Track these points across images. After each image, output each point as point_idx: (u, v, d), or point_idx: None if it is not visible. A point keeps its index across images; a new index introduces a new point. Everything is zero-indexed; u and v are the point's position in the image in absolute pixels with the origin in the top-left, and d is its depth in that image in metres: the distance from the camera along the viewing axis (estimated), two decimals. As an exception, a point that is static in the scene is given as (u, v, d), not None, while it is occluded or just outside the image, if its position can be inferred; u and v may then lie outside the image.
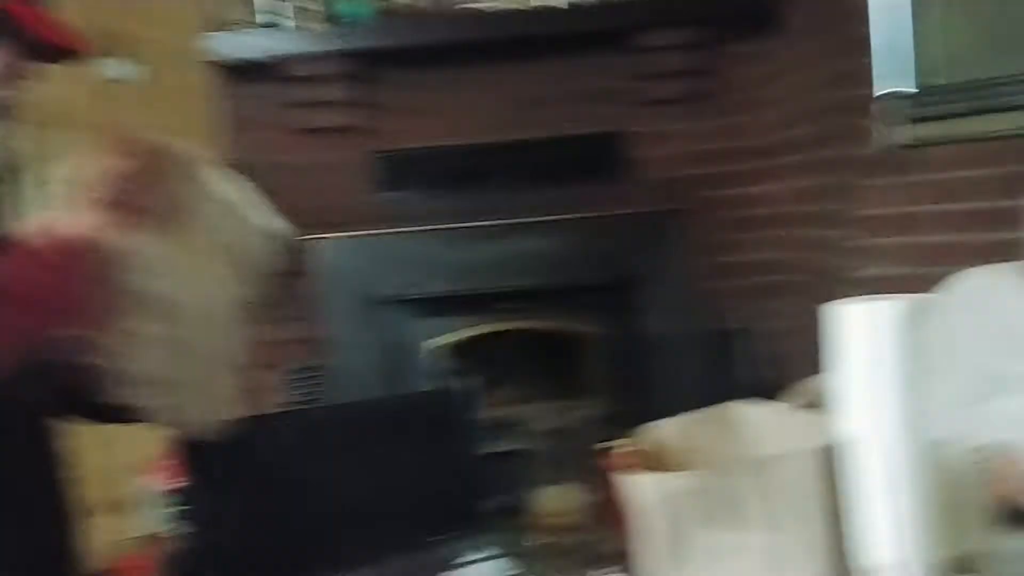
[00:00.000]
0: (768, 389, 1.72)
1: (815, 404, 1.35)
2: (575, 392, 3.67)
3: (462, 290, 3.63)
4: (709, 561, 0.65)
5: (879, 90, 2.82)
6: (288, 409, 3.28)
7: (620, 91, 3.63)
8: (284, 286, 3.65)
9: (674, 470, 0.68)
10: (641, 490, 0.65)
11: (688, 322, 3.63)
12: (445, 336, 3.69)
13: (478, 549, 1.28)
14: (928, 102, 2.73)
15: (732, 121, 3.68)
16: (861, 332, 1.05)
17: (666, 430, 0.73)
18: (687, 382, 3.42)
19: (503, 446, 1.33)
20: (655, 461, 0.72)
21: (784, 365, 3.29)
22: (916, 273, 2.52)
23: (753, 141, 3.67)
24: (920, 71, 2.77)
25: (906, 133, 2.78)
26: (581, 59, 3.61)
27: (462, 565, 1.24)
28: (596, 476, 1.27)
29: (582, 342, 3.73)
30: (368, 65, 3.62)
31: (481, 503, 1.73)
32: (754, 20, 3.54)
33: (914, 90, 2.78)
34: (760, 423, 0.74)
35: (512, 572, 1.22)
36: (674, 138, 3.67)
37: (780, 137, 3.56)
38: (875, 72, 2.82)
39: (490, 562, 1.25)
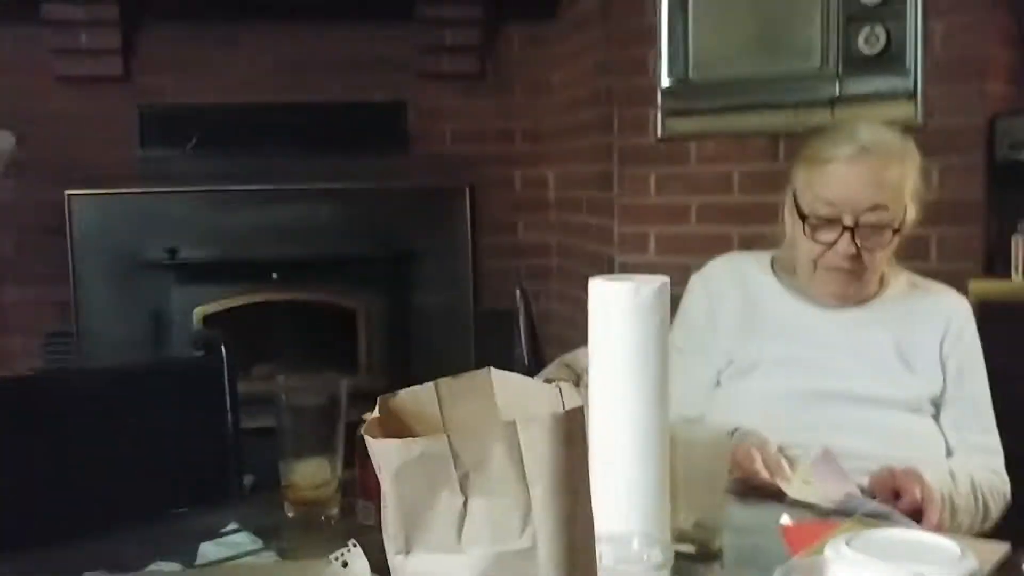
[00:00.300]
0: (539, 366, 1.75)
1: (574, 377, 1.39)
2: (345, 366, 3.62)
3: (232, 257, 3.50)
4: (443, 526, 0.64)
5: (661, 82, 2.92)
6: (35, 374, 3.06)
7: (405, 62, 3.60)
8: (38, 244, 3.43)
9: (421, 435, 0.67)
10: (384, 456, 0.63)
11: (464, 299, 3.66)
12: (211, 304, 3.55)
13: (230, 522, 1.23)
14: (702, 97, 2.86)
15: (516, 101, 3.74)
16: (616, 309, 1.08)
17: (416, 396, 0.72)
18: (459, 358, 3.45)
19: (263, 419, 1.29)
20: (403, 427, 0.70)
21: (556, 344, 3.38)
22: (680, 262, 2.64)
23: (535, 123, 3.74)
24: (696, 67, 2.90)
25: (681, 126, 2.90)
26: (366, 25, 3.55)
27: (211, 537, 1.19)
28: (355, 448, 1.25)
29: (356, 315, 3.69)
30: (134, 12, 3.41)
31: (237, 476, 1.68)
32: (542, 3, 3.60)
33: (691, 84, 2.90)
34: (513, 390, 0.73)
35: (258, 546, 1.19)
36: (457, 114, 3.68)
37: (562, 121, 3.64)
38: (659, 64, 2.92)
39: (240, 535, 1.21)
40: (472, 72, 3.64)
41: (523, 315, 3.74)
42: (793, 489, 1.44)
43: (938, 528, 1.45)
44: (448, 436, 0.62)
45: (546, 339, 3.69)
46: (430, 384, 0.73)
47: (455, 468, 0.62)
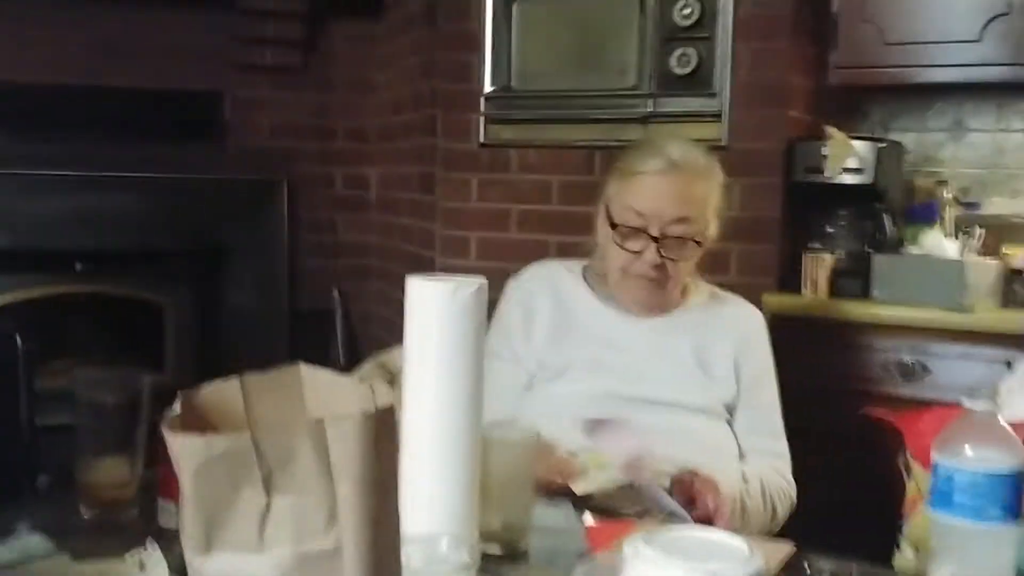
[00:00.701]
0: (351, 368, 1.73)
1: (389, 376, 1.38)
2: (152, 364, 3.48)
3: (32, 246, 3.30)
4: (245, 525, 0.63)
5: (484, 88, 2.95)
6: None
7: (224, 52, 3.49)
8: None
9: (225, 432, 0.66)
10: (184, 453, 0.62)
11: (279, 297, 3.58)
12: (6, 295, 3.34)
13: (21, 523, 1.17)
14: (524, 106, 2.91)
15: (338, 98, 3.69)
16: (433, 309, 1.09)
17: (220, 392, 0.71)
18: (273, 359, 3.37)
19: (61, 416, 1.23)
20: (206, 424, 0.69)
21: (374, 347, 3.35)
22: (500, 267, 2.68)
23: (358, 122, 3.71)
24: (519, 76, 2.95)
25: (504, 133, 2.95)
26: (186, 11, 3.42)
27: (0, 539, 1.13)
28: (156, 447, 1.21)
29: (164, 311, 3.54)
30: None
31: (30, 475, 1.60)
32: (367, 1, 3.58)
33: (514, 92, 2.94)
34: (323, 388, 0.73)
35: (50, 549, 1.13)
36: (277, 108, 3.61)
37: (385, 121, 3.62)
38: (482, 71, 2.95)
39: (32, 537, 1.15)
40: (294, 66, 3.58)
41: (340, 316, 3.70)
42: (580, 486, 1.49)
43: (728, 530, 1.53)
44: (252, 433, 0.61)
45: (364, 341, 3.65)
46: (235, 379, 0.72)
47: (259, 466, 0.61)
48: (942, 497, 1.06)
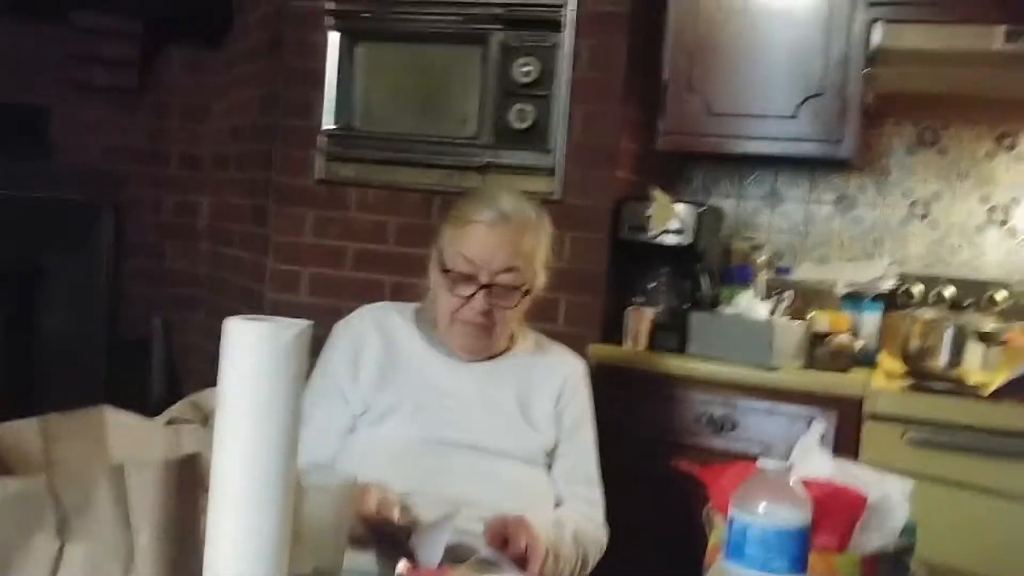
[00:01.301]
0: (170, 402, 1.68)
1: (202, 417, 1.35)
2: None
3: None
4: (34, 572, 0.61)
5: (323, 125, 2.94)
6: None
7: (57, 67, 3.35)
8: None
9: (20, 474, 0.64)
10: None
11: (98, 325, 3.43)
12: None
13: None
14: (365, 146, 2.92)
15: (172, 124, 3.60)
16: (251, 351, 1.08)
17: (18, 433, 0.68)
18: (89, 390, 3.22)
19: None
20: (2, 465, 0.66)
21: (197, 380, 3.25)
22: (332, 304, 2.66)
23: (192, 148, 3.63)
24: (362, 117, 2.95)
25: (343, 171, 2.94)
26: (17, 25, 3.26)
27: None
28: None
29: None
30: None
31: None
32: (206, 29, 3.51)
33: (355, 132, 2.94)
34: (128, 431, 0.72)
35: None
36: (110, 128, 3.48)
37: (220, 150, 3.55)
38: (323, 108, 2.94)
39: None
40: (128, 87, 3.47)
41: (161, 347, 3.57)
42: (401, 516, 1.51)
43: (541, 574, 1.57)
44: (49, 476, 0.59)
45: (187, 374, 3.54)
46: (35, 420, 0.70)
47: (53, 511, 0.60)
48: (736, 549, 1.12)
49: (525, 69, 2.74)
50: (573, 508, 1.84)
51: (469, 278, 1.84)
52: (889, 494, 1.33)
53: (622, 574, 1.84)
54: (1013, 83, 2.53)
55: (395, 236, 2.88)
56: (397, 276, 2.80)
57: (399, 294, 2.07)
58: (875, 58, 2.64)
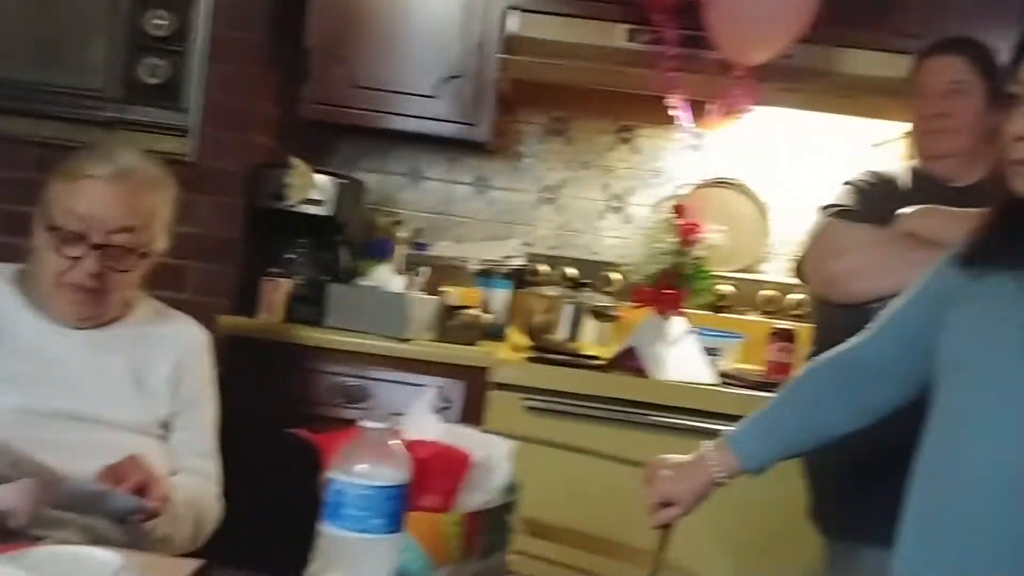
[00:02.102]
0: None
1: None
2: None
3: None
4: None
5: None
6: None
7: None
8: None
9: None
10: None
11: None
12: None
13: None
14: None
15: None
16: None
17: None
18: None
19: None
20: None
21: None
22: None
23: None
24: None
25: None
26: None
27: None
28: None
29: None
30: None
31: None
32: None
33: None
34: None
35: None
36: None
37: None
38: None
39: None
40: None
41: None
42: None
43: (163, 508, 1.51)
44: None
45: None
46: None
47: None
48: (333, 511, 1.13)
49: (158, 22, 2.58)
50: (189, 479, 1.78)
51: (80, 237, 1.72)
52: (492, 454, 1.40)
53: (249, 545, 1.80)
54: (633, 79, 2.74)
55: (2, 191, 2.61)
56: (3, 236, 2.54)
57: (5, 255, 1.88)
58: (510, 45, 2.76)
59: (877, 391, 1.55)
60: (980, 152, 1.96)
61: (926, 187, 2.03)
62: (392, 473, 1.13)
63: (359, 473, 1.11)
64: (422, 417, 1.45)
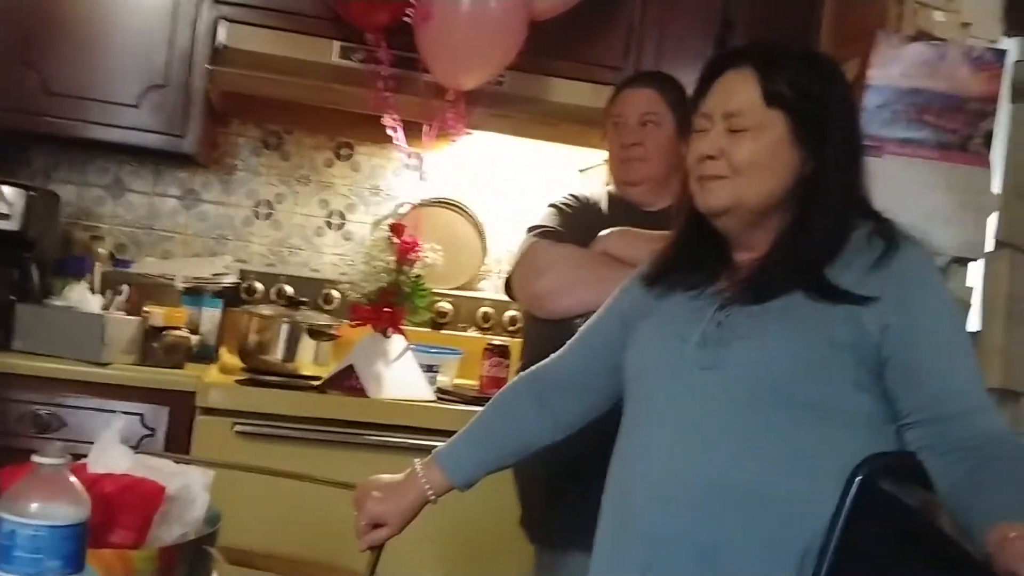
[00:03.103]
0: None
1: None
2: None
3: None
4: None
5: None
6: None
7: None
8: None
9: None
10: None
11: None
12: None
13: None
14: None
15: None
16: None
17: None
18: None
19: None
20: None
21: None
22: None
23: None
24: None
25: None
26: None
27: None
28: None
29: None
30: None
31: None
32: None
33: None
34: None
35: None
36: None
37: None
38: None
39: None
40: None
41: None
42: None
43: None
44: None
45: None
46: None
47: None
48: (4, 554, 1.03)
49: None
50: None
51: None
52: (189, 484, 1.33)
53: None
54: (347, 97, 2.72)
55: None
56: None
57: None
58: (219, 57, 2.67)
59: (573, 404, 1.62)
60: (670, 180, 2.10)
61: (622, 210, 2.15)
62: (68, 511, 1.05)
63: (30, 512, 1.02)
64: (111, 448, 1.36)
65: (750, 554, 1.32)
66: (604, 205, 2.20)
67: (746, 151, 1.40)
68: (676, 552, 1.35)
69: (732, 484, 1.33)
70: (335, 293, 2.99)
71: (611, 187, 2.26)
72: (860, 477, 1.30)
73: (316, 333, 2.80)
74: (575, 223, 2.13)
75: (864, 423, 1.35)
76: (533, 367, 1.70)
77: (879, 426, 1.36)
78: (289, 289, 2.99)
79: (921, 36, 2.42)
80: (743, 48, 1.52)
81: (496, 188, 3.21)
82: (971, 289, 2.49)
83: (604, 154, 2.65)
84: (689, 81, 1.65)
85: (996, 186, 2.49)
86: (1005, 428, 1.35)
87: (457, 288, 3.14)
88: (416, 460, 1.64)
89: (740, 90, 1.41)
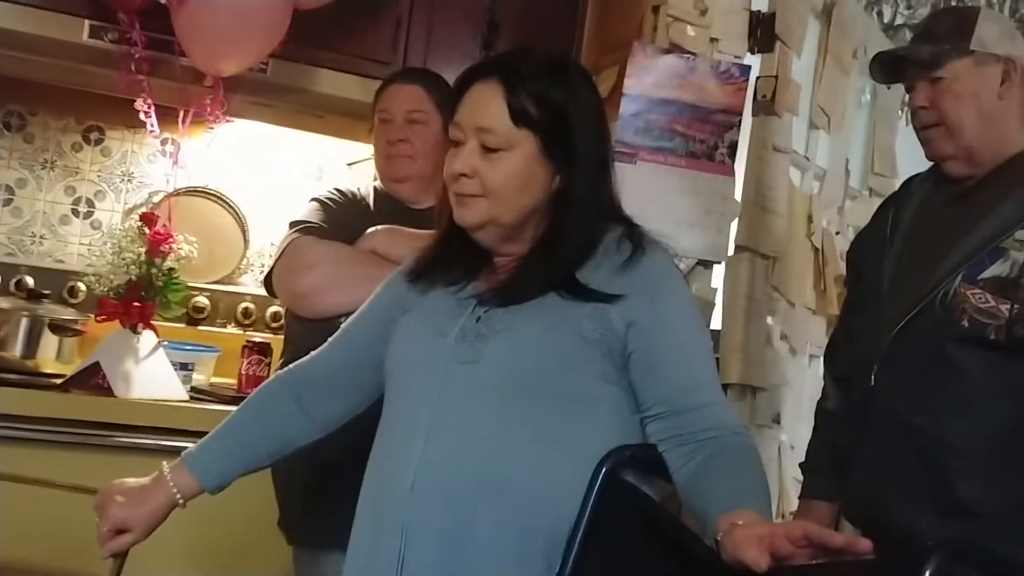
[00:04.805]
0: None
1: None
2: None
3: None
4: None
5: None
6: None
7: None
8: None
9: None
10: None
11: None
12: None
13: None
14: None
15: None
16: None
17: None
18: None
19: None
20: None
21: None
22: None
23: None
24: None
25: None
26: None
27: None
28: None
29: None
30: None
31: None
32: None
33: None
34: None
35: None
36: None
37: None
38: None
39: None
40: None
41: None
42: None
43: None
44: None
45: None
46: None
47: None
48: None
49: None
50: None
51: None
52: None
53: None
54: (97, 79, 2.57)
55: None
56: None
57: None
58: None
59: (332, 401, 1.61)
60: (436, 178, 2.10)
61: (389, 207, 2.15)
62: None
63: None
64: None
65: (496, 542, 1.35)
66: (371, 201, 2.19)
67: (499, 174, 1.43)
68: (425, 541, 1.36)
69: (483, 474, 1.35)
70: (81, 286, 2.81)
71: (378, 183, 2.25)
72: (605, 468, 1.36)
73: (59, 328, 2.63)
74: (340, 219, 2.11)
75: (612, 414, 1.41)
76: (291, 365, 1.67)
77: (627, 417, 1.43)
78: (30, 281, 2.79)
79: (674, 49, 2.56)
80: (491, 60, 1.57)
81: (260, 179, 3.13)
82: (715, 290, 2.66)
83: (371, 148, 2.63)
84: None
85: (738, 194, 2.67)
86: (738, 420, 1.44)
87: (216, 282, 3.03)
88: (164, 462, 1.58)
89: (489, 106, 1.44)
